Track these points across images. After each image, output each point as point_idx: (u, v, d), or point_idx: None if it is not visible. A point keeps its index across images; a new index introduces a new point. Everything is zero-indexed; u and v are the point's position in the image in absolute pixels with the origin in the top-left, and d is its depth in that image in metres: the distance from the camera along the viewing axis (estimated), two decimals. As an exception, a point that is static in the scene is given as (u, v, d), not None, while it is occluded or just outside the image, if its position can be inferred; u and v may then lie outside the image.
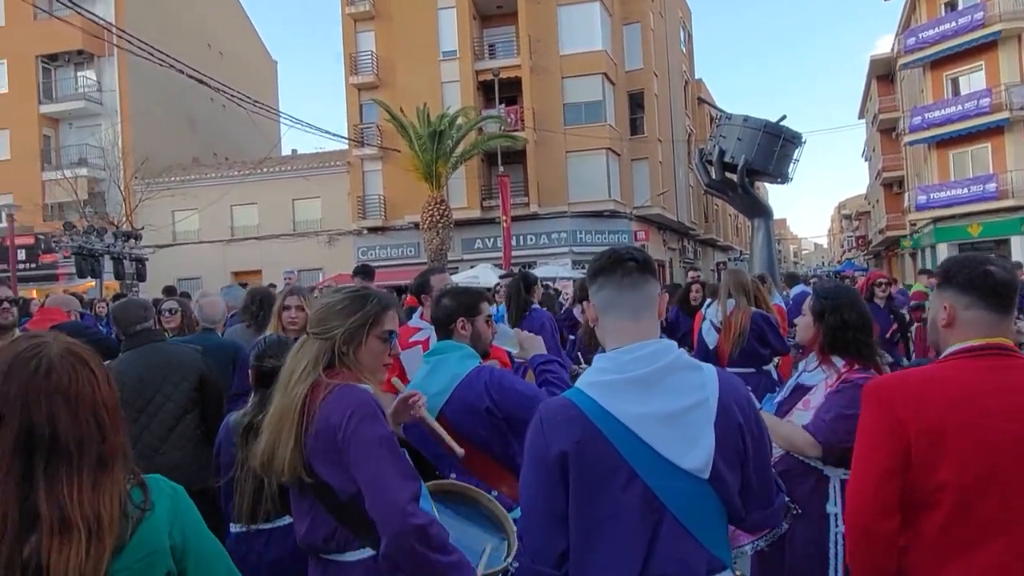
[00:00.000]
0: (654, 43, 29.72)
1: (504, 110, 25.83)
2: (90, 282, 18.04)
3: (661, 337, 1.65)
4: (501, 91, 25.17)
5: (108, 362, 4.00)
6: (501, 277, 6.94)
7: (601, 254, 1.72)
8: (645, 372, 1.53)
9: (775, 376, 4.56)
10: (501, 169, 23.94)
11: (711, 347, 4.61)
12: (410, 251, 26.36)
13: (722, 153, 13.64)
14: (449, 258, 23.67)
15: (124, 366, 3.58)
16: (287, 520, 2.36)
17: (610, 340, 1.64)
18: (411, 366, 3.25)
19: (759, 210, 14.15)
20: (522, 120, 25.77)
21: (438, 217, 22.49)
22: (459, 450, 2.16)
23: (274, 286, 12.20)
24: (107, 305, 10.39)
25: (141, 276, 17.72)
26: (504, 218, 23.24)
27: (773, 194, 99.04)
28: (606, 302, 1.64)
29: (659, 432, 1.50)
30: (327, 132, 35.44)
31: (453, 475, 2.30)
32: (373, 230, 27.06)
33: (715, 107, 26.82)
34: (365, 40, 27.67)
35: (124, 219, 24.64)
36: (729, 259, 47.40)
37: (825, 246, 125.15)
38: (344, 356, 1.88)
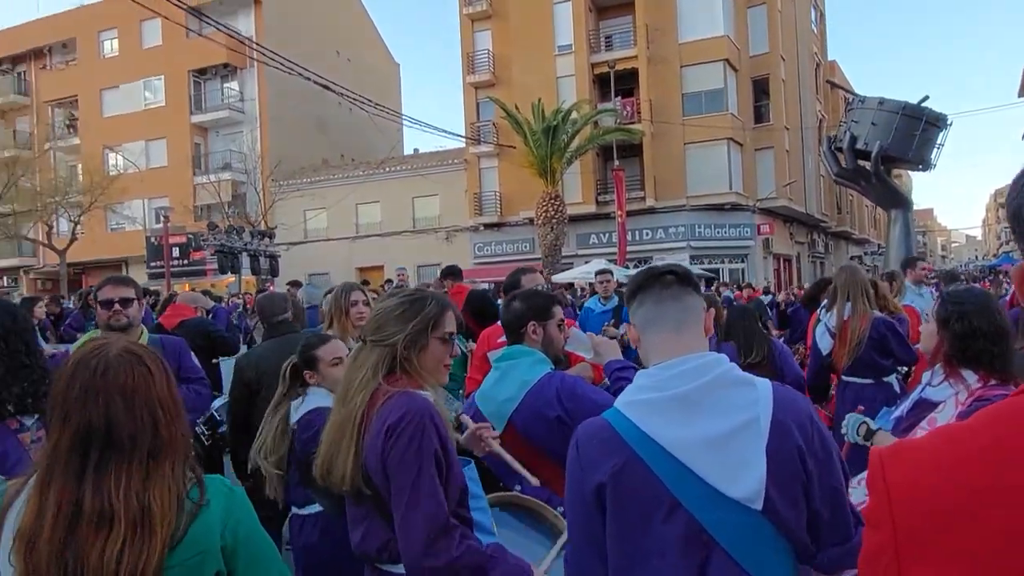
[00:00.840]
0: (781, 25, 28.12)
1: (620, 103, 25.40)
2: (230, 277, 19.55)
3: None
4: (617, 83, 24.75)
5: (245, 352, 4.41)
6: (598, 273, 6.83)
7: (637, 272, 1.63)
8: (687, 389, 1.39)
9: (897, 388, 4.05)
10: (616, 163, 23.59)
11: (825, 352, 4.23)
12: (525, 247, 26.57)
13: (854, 139, 12.69)
14: (563, 253, 23.66)
15: (264, 352, 3.88)
16: (316, 508, 2.45)
17: (652, 356, 1.52)
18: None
19: (896, 200, 13.03)
20: (638, 112, 25.24)
21: (552, 213, 22.52)
22: (532, 479, 2.10)
23: (390, 281, 12.70)
24: (240, 300, 11.21)
25: (275, 272, 18.94)
26: (619, 213, 22.90)
27: (918, 182, 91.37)
28: (646, 318, 1.55)
29: (703, 457, 1.35)
30: (444, 131, 36.70)
31: (518, 487, 2.22)
32: (489, 226, 27.50)
33: (847, 90, 25.00)
34: (482, 39, 28.14)
35: (260, 218, 26.52)
36: (865, 253, 44.14)
37: (979, 238, 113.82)
38: (406, 362, 1.84)
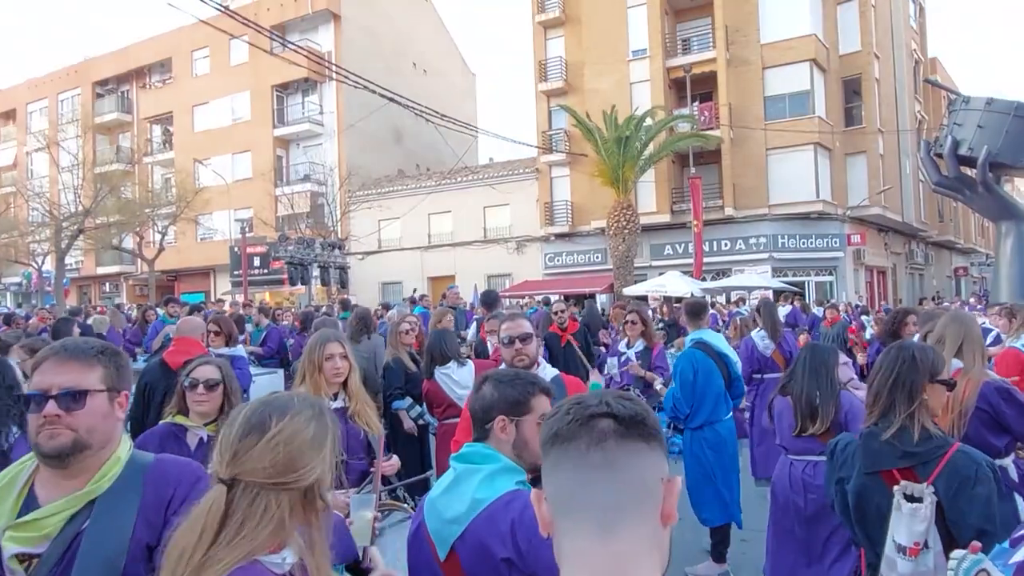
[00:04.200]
0: (875, 20, 26.28)
1: (697, 108, 24.35)
2: (301, 288, 19.83)
3: None
4: (694, 88, 23.77)
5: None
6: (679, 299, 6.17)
7: (558, 407, 0.96)
8: None
9: (1015, 475, 2.95)
10: (692, 170, 22.59)
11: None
12: (597, 257, 25.86)
13: (956, 144, 11.42)
14: (636, 265, 22.84)
15: None
16: None
17: (565, 572, 0.88)
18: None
19: (1007, 212, 11.65)
20: (717, 117, 24.10)
21: (624, 223, 21.77)
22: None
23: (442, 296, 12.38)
24: (290, 316, 11.10)
25: (344, 283, 19.06)
26: (695, 222, 21.91)
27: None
28: (559, 496, 0.90)
29: None
30: (514, 140, 36.51)
31: None
32: (560, 236, 26.95)
33: (949, 89, 23.01)
34: (554, 46, 27.70)
35: (333, 229, 26.93)
36: (971, 263, 40.89)
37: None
38: (308, 506, 1.31)
